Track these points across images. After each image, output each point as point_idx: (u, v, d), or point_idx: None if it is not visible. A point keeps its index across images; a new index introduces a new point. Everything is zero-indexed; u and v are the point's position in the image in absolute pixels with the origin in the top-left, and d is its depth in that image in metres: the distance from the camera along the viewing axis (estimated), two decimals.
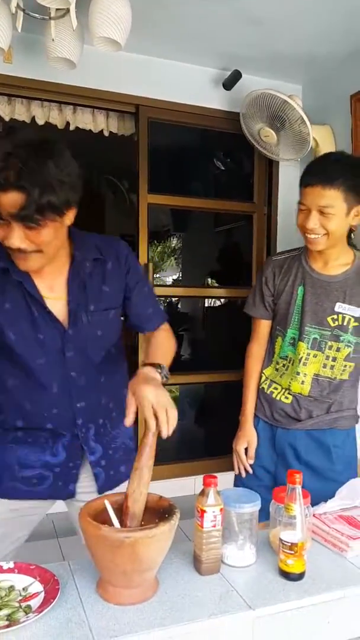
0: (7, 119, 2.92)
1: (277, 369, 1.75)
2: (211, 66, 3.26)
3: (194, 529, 1.15)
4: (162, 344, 1.43)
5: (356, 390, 1.73)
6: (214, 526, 1.12)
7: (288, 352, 1.71)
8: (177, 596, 1.06)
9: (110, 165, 5.46)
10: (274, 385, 1.75)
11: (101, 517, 1.07)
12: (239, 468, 1.82)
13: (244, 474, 1.81)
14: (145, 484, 1.10)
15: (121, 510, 1.11)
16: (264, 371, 1.80)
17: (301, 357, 1.66)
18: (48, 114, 2.96)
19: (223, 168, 3.85)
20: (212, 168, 3.89)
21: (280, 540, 1.12)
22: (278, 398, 1.72)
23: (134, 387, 1.18)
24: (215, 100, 3.32)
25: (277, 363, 1.75)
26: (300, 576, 1.12)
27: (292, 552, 1.10)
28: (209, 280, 5.39)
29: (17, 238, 1.14)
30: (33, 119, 2.95)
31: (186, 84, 3.24)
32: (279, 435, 1.73)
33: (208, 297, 5.27)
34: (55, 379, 1.31)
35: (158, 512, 1.11)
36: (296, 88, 3.45)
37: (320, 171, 1.54)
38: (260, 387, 1.79)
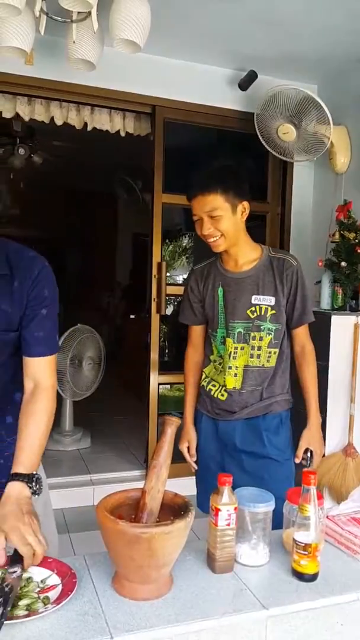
0: (26, 119, 2.96)
1: (215, 368, 1.90)
2: (227, 67, 3.28)
3: (208, 527, 1.16)
4: (38, 433, 1.24)
5: (286, 377, 1.86)
6: (228, 525, 1.14)
7: (221, 350, 1.85)
8: (191, 593, 1.08)
9: (124, 165, 5.49)
10: (212, 382, 1.89)
11: (117, 512, 1.09)
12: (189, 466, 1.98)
13: (192, 470, 1.98)
14: (162, 481, 1.12)
15: (138, 505, 1.13)
16: (204, 370, 1.94)
17: (230, 352, 1.80)
18: (66, 114, 3.00)
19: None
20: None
21: (294, 540, 1.13)
22: (215, 395, 1.86)
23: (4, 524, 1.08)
24: (230, 100, 3.34)
25: (215, 362, 1.89)
26: (313, 577, 1.13)
27: (306, 552, 1.11)
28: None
29: None
30: (52, 119, 2.98)
31: (202, 85, 3.26)
32: (221, 428, 1.87)
33: None
34: None
35: (173, 509, 1.13)
36: (311, 88, 3.45)
37: (197, 182, 1.73)
38: (202, 384, 1.93)
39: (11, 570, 1.05)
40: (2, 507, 1.13)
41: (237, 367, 1.81)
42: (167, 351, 6.22)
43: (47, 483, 1.44)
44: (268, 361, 1.81)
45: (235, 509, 1.14)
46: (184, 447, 1.95)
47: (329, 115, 2.92)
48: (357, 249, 2.93)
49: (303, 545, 1.11)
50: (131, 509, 1.14)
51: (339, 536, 1.27)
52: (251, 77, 3.21)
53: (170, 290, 3.57)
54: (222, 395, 1.85)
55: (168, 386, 5.64)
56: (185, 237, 8.50)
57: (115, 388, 5.28)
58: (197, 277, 1.90)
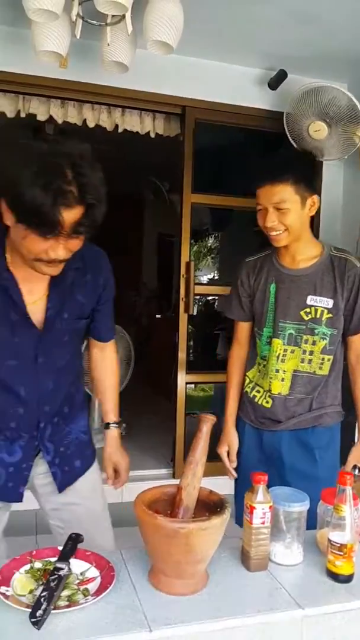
0: (60, 121, 3.00)
1: (259, 371, 1.77)
2: (257, 66, 3.28)
3: (243, 525, 1.18)
4: (113, 383, 1.62)
5: (337, 387, 1.74)
6: (263, 523, 1.14)
7: (265, 351, 1.73)
8: (227, 590, 1.09)
9: (151, 167, 5.52)
10: (257, 388, 1.77)
11: (154, 507, 1.10)
12: (227, 471, 1.84)
13: (229, 477, 1.84)
14: (198, 478, 1.13)
15: (173, 502, 1.14)
16: (247, 374, 1.82)
17: (278, 354, 1.68)
18: (98, 116, 3.04)
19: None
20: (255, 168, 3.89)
21: (329, 540, 1.13)
22: (260, 402, 1.74)
23: (114, 458, 1.58)
24: (260, 100, 3.33)
25: (259, 364, 1.77)
26: (349, 578, 1.13)
27: (341, 553, 1.11)
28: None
29: (63, 250, 1.16)
30: (84, 121, 3.02)
31: (232, 85, 3.26)
32: (265, 439, 1.74)
33: None
34: (23, 382, 1.32)
35: (208, 506, 1.15)
36: (342, 87, 3.41)
37: (267, 170, 1.61)
38: (245, 390, 1.81)
39: (59, 565, 1.08)
40: (109, 446, 1.58)
41: (285, 371, 1.67)
42: (191, 351, 6.24)
43: None
44: (320, 368, 1.67)
45: (270, 507, 1.15)
46: (223, 451, 1.82)
47: None
48: None
49: (338, 545, 1.11)
50: (167, 505, 1.16)
51: None
52: (281, 76, 3.20)
53: (196, 290, 3.58)
54: (267, 402, 1.71)
55: (192, 386, 5.68)
56: (210, 237, 8.52)
57: (142, 387, 5.32)
58: (249, 270, 1.77)
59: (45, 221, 1.07)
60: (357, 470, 1.69)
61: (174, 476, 3.29)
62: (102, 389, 1.62)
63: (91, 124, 3.02)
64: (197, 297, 6.25)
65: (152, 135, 3.22)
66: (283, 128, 3.17)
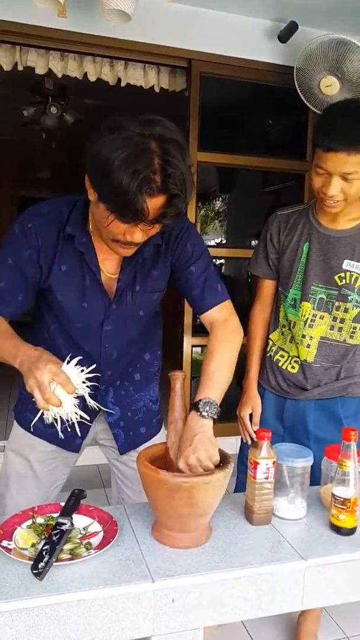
0: (60, 75, 2.91)
1: (282, 334, 1.67)
2: (266, 18, 3.14)
3: (247, 480, 1.17)
4: (220, 364, 1.26)
5: None
6: (267, 478, 1.14)
7: (289, 314, 1.62)
8: (230, 543, 1.10)
9: None
10: (281, 352, 1.67)
11: (157, 463, 1.10)
12: (244, 435, 1.74)
13: (249, 442, 1.71)
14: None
15: (166, 460, 1.14)
16: (270, 336, 1.71)
17: (307, 319, 1.57)
18: (100, 70, 2.94)
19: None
20: (264, 124, 3.78)
21: (333, 495, 1.13)
22: (285, 367, 1.64)
23: (186, 443, 1.12)
24: (269, 53, 3.21)
25: (283, 327, 1.67)
26: (351, 531, 1.13)
27: (345, 507, 1.11)
28: (255, 242, 5.32)
29: (140, 234, 1.16)
30: (85, 75, 2.92)
31: (240, 37, 3.13)
32: (288, 408, 1.64)
33: None
34: (87, 343, 1.35)
35: None
36: (356, 39, 3.27)
37: (344, 136, 1.38)
38: (267, 354, 1.71)
39: (61, 520, 1.08)
40: (186, 434, 1.15)
41: (312, 337, 1.58)
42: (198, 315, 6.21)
43: None
44: (352, 337, 1.57)
45: (274, 463, 1.14)
46: (246, 414, 1.70)
47: None
48: None
49: (342, 500, 1.11)
50: (160, 465, 1.15)
51: None
52: (291, 28, 3.06)
53: None
54: (293, 367, 1.62)
55: (199, 350, 5.68)
56: (217, 200, 8.37)
57: None
58: (281, 224, 1.63)
59: (129, 207, 1.07)
60: None
61: None
62: (206, 361, 1.32)
63: (92, 78, 2.93)
64: None
65: (157, 89, 3.12)
66: (293, 83, 3.05)
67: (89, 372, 1.13)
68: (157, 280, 1.37)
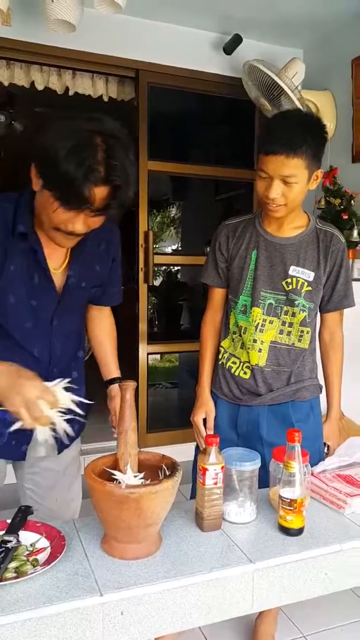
0: (6, 83, 2.87)
1: (233, 340, 1.69)
2: (212, 30, 3.20)
3: (197, 486, 1.18)
4: (114, 341, 1.64)
5: (314, 359, 1.70)
6: (215, 484, 1.15)
7: (240, 320, 1.64)
8: (180, 551, 1.10)
9: None
10: (233, 359, 1.68)
11: (105, 475, 1.09)
12: (198, 441, 1.74)
13: (203, 446, 1.61)
14: (132, 444, 1.11)
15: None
16: (222, 344, 1.73)
17: (257, 324, 1.60)
18: (47, 78, 2.92)
19: None
20: (213, 134, 3.84)
21: (280, 497, 1.15)
22: (237, 374, 1.66)
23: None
24: (215, 64, 3.27)
25: (234, 334, 1.68)
26: (299, 531, 1.15)
27: (292, 508, 1.13)
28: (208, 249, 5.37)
29: (82, 224, 1.18)
30: (32, 83, 2.89)
31: (187, 48, 3.18)
32: (241, 414, 1.65)
33: None
34: (37, 344, 1.36)
35: (161, 470, 1.14)
36: (297, 52, 3.38)
37: (284, 138, 1.43)
38: (220, 362, 1.71)
39: (7, 538, 1.06)
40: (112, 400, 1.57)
41: (262, 341, 1.60)
42: (157, 322, 6.21)
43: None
44: (300, 341, 1.61)
45: (222, 468, 1.15)
46: (199, 419, 1.70)
47: (294, 98, 2.85)
48: (342, 216, 2.91)
49: (289, 501, 1.13)
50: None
51: (324, 492, 1.29)
52: (236, 41, 3.13)
53: (159, 259, 3.54)
54: (245, 373, 1.64)
55: (158, 357, 5.67)
56: (172, 207, 8.41)
57: None
58: (229, 233, 1.66)
59: (73, 194, 1.10)
60: (326, 448, 1.67)
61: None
62: (105, 347, 1.63)
63: (40, 87, 2.90)
64: (162, 267, 6.22)
65: (105, 98, 3.12)
66: (239, 94, 3.11)
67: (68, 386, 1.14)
68: (99, 275, 1.44)
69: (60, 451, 1.49)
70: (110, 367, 1.61)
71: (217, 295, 1.74)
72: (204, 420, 1.71)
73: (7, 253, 1.26)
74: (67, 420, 1.35)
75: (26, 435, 1.37)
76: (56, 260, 1.34)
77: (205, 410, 1.71)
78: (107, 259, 1.46)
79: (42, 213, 1.21)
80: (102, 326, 1.63)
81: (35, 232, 1.28)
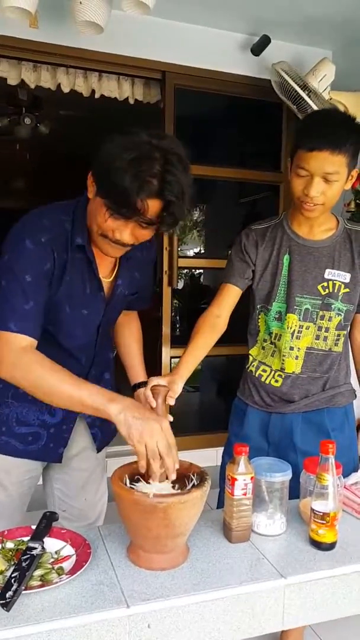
0: (32, 86, 2.88)
1: (263, 348, 1.63)
2: (239, 31, 3.16)
3: (225, 497, 1.15)
4: (141, 344, 1.64)
5: (348, 363, 1.64)
6: (245, 494, 1.12)
7: (274, 327, 1.58)
8: (208, 563, 1.07)
9: None
10: (263, 367, 1.62)
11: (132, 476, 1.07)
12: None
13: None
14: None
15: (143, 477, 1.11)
16: (250, 352, 1.67)
17: (293, 330, 1.55)
18: (74, 81, 2.92)
19: None
20: (239, 136, 3.80)
21: (312, 510, 1.11)
22: (267, 382, 1.60)
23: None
24: (243, 66, 3.23)
25: (264, 341, 1.63)
26: (331, 546, 1.11)
27: (324, 522, 1.09)
28: (231, 252, 5.32)
29: (130, 235, 1.20)
30: (58, 86, 2.90)
31: (214, 50, 3.15)
32: (273, 422, 1.60)
33: None
34: (84, 352, 1.40)
35: (188, 478, 1.11)
36: (327, 53, 3.32)
37: (329, 134, 1.38)
38: (248, 369, 1.66)
39: (32, 544, 1.04)
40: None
41: (299, 348, 1.55)
42: (178, 325, 6.19)
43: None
44: (336, 345, 1.57)
45: (251, 478, 1.12)
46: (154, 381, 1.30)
47: (313, 106, 2.82)
48: None
49: (321, 514, 1.09)
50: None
51: (357, 506, 1.25)
52: (264, 42, 3.09)
53: (182, 263, 3.52)
54: (277, 381, 1.59)
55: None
56: (196, 210, 8.38)
57: None
58: (257, 238, 1.59)
59: (124, 203, 1.12)
60: None
61: None
62: (132, 351, 1.63)
63: (66, 89, 2.91)
64: (184, 270, 6.20)
65: (131, 101, 3.11)
66: (267, 95, 3.07)
67: None
68: (138, 283, 1.47)
69: (99, 449, 1.51)
70: (138, 371, 1.61)
71: (232, 293, 1.60)
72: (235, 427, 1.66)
73: (70, 265, 1.27)
74: (102, 421, 1.38)
75: (63, 437, 1.41)
76: (105, 269, 1.36)
77: (169, 380, 1.32)
78: (145, 266, 1.48)
79: (93, 220, 1.23)
80: (130, 330, 1.64)
81: (90, 244, 1.31)
